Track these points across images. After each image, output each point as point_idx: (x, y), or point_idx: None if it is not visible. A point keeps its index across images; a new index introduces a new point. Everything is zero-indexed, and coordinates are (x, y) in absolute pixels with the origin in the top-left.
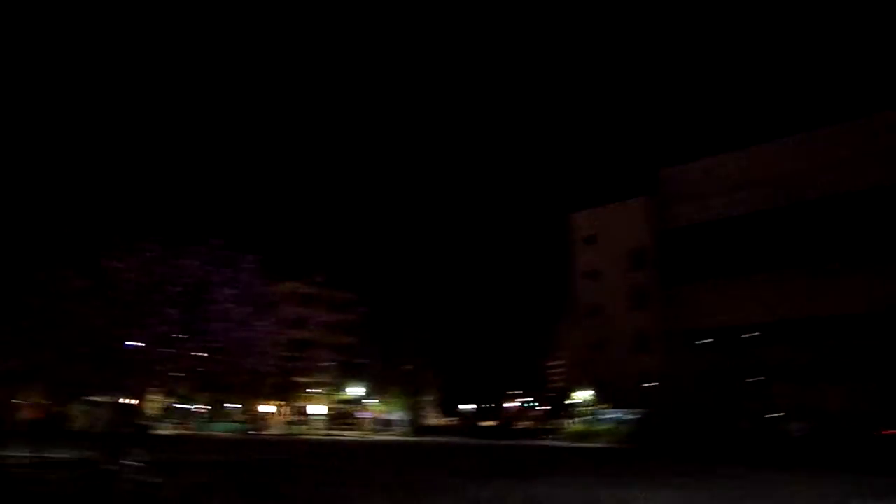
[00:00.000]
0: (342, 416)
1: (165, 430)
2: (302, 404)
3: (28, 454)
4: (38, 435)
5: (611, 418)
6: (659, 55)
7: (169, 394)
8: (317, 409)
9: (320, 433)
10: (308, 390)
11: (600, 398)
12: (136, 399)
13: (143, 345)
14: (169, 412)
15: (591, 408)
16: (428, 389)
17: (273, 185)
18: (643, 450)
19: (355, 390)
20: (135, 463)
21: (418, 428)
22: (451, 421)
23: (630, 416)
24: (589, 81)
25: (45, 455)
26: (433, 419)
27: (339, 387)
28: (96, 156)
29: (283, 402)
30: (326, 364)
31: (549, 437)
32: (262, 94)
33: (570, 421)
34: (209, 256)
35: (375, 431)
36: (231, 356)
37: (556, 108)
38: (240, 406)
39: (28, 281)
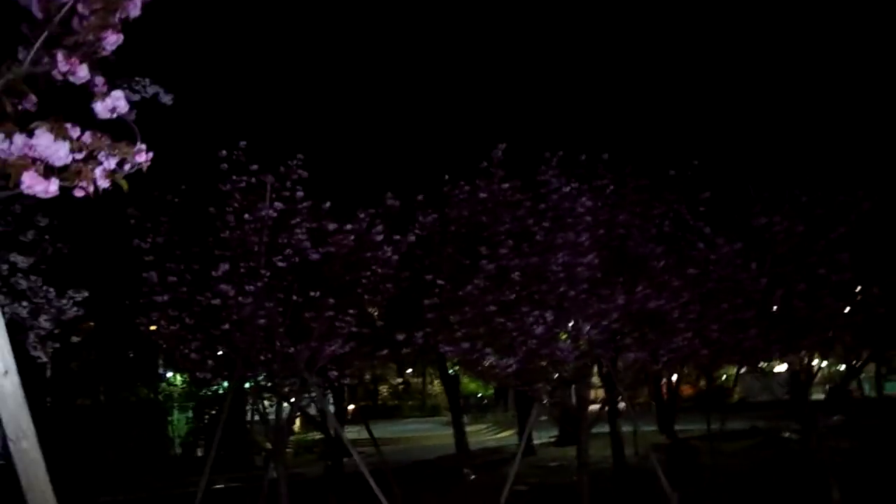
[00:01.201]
0: None
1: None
2: None
3: (697, 427)
4: (704, 407)
5: None
6: None
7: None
8: None
9: None
10: None
11: None
12: (796, 363)
13: (805, 302)
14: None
15: None
16: None
17: None
18: None
19: None
20: (821, 429)
21: None
22: None
23: None
24: None
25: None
26: None
27: None
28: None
29: None
30: None
31: None
32: None
33: None
34: None
35: None
36: None
37: None
38: None
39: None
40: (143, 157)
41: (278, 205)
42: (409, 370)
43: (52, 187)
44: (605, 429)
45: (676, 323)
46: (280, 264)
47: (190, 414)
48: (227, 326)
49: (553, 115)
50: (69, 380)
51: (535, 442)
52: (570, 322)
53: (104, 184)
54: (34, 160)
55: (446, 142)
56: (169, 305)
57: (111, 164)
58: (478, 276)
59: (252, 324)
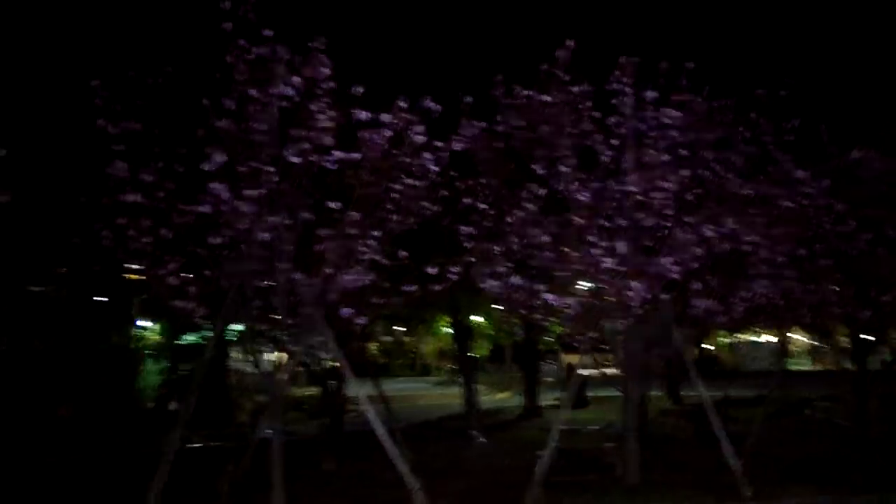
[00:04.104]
0: None
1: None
2: None
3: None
4: (706, 374)
5: None
6: None
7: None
8: None
9: None
10: None
11: None
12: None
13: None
14: None
15: None
16: None
17: None
18: None
19: None
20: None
21: None
22: None
23: None
24: None
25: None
26: None
27: None
28: None
29: None
30: None
31: None
32: None
33: None
34: None
35: None
36: None
37: None
38: None
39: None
40: None
41: (296, 79)
42: (402, 328)
43: None
44: (604, 392)
45: (759, 266)
46: (293, 159)
47: (164, 364)
48: (217, 241)
49: (628, 16)
50: (22, 320)
51: (541, 404)
52: (644, 255)
53: None
54: None
55: (499, 37)
56: (141, 211)
57: None
58: (529, 201)
59: (251, 240)
